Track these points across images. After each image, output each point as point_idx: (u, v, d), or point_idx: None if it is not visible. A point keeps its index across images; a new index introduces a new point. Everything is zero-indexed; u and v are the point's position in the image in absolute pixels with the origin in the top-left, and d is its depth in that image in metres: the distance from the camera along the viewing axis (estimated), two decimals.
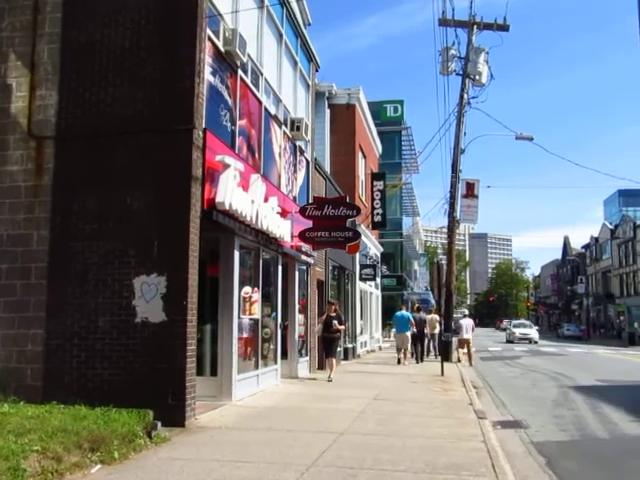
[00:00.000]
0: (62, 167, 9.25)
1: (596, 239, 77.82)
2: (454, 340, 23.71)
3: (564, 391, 14.92)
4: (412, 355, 22.44)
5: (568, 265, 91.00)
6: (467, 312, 30.62)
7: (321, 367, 17.87)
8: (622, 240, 66.66)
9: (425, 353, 23.92)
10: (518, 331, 49.02)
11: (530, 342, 46.31)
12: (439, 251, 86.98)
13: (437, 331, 24.82)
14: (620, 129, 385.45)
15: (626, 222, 66.80)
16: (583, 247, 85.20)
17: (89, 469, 6.16)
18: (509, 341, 48.15)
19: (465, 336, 22.81)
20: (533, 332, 48.96)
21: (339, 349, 20.20)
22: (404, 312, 22.90)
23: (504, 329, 76.44)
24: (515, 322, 57.42)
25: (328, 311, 15.82)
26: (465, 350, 23.01)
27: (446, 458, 6.97)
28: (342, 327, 16.23)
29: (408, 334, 21.54)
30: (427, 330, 23.84)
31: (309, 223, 14.36)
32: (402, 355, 21.31)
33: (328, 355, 15.77)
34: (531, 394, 14.46)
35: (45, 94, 9.43)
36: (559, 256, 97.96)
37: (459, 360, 22.59)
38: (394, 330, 23.95)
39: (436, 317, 25.08)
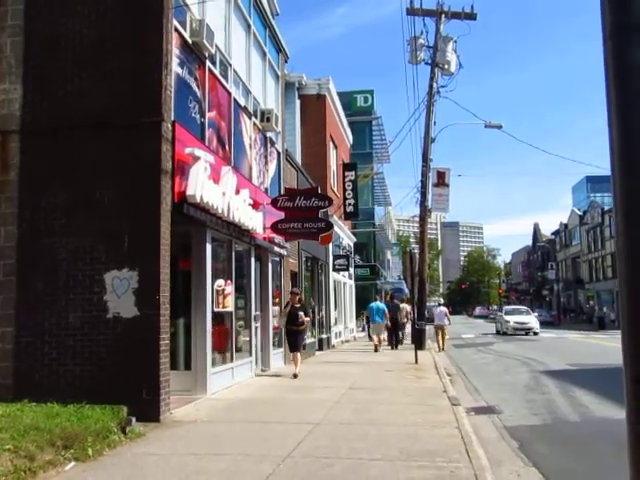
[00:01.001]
0: (28, 162, 9.09)
1: (565, 225, 78.90)
2: (427, 328, 24.34)
3: (536, 376, 15.14)
4: (387, 343, 23.46)
5: (538, 251, 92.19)
6: (442, 301, 31.15)
7: (292, 363, 17.89)
8: (590, 226, 67.67)
9: (400, 341, 24.76)
10: (513, 319, 37.76)
11: (527, 333, 36.45)
12: (412, 240, 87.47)
13: (405, 320, 26.06)
14: (588, 117, 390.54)
15: (594, 208, 67.78)
16: (553, 233, 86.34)
17: (63, 467, 6.10)
18: (501, 333, 37.86)
19: (438, 323, 24.26)
20: (532, 320, 37.93)
21: (308, 341, 20.18)
22: (379, 303, 24.01)
23: (488, 317, 74.91)
24: (508, 308, 45.70)
25: (292, 301, 14.40)
26: (441, 337, 23.99)
27: (421, 445, 7.04)
28: (308, 319, 14.79)
29: (382, 323, 22.84)
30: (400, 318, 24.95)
31: (281, 215, 14.35)
32: (377, 343, 22.25)
33: (293, 350, 14.25)
34: (504, 380, 14.66)
35: (9, 88, 9.25)
36: (529, 243, 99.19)
37: (439, 349, 23.39)
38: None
39: (406, 306, 26.15)
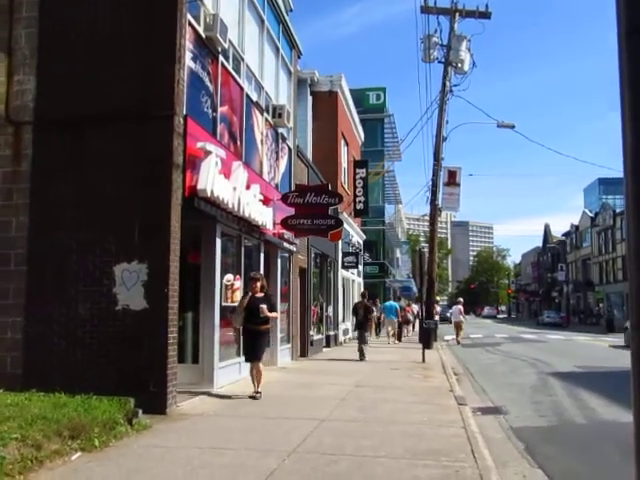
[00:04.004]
0: (41, 153, 9.14)
1: (576, 227, 78.48)
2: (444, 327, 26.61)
3: (543, 377, 15.08)
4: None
5: (548, 253, 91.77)
6: (461, 300, 32.04)
7: (303, 354, 17.90)
8: (602, 228, 67.30)
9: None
10: None
11: None
12: (421, 239, 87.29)
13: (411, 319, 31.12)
14: (604, 117, 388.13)
15: (606, 210, 67.42)
16: (563, 235, 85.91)
17: (69, 456, 6.13)
18: None
19: (455, 319, 28.49)
20: None
21: (316, 337, 20.13)
22: (392, 302, 28.06)
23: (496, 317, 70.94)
24: None
25: (252, 290, 10.43)
26: (458, 332, 28.27)
27: (426, 444, 7.03)
28: (275, 315, 11.03)
29: (395, 320, 26.59)
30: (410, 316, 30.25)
31: (291, 211, 14.36)
32: (390, 336, 26.08)
33: (250, 359, 10.50)
34: (511, 380, 14.61)
35: (23, 79, 9.30)
36: (540, 244, 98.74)
37: (457, 342, 27.64)
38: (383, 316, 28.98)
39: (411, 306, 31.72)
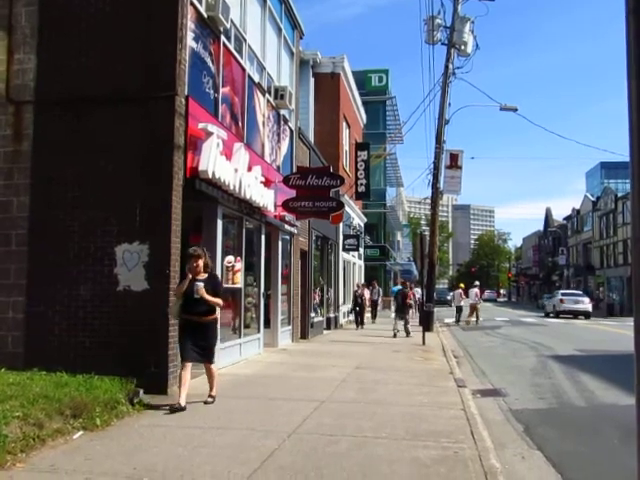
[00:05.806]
0: (42, 133, 9.11)
1: (577, 211, 78.31)
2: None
3: (543, 360, 15.14)
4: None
5: (549, 237, 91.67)
6: (477, 283, 32.70)
7: (304, 336, 17.95)
8: (603, 212, 67.15)
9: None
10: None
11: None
12: (422, 222, 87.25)
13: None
14: (605, 101, 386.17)
15: (607, 194, 67.20)
16: (565, 219, 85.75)
17: (71, 435, 6.17)
18: None
19: (472, 302, 30.58)
20: None
21: (316, 320, 20.22)
22: (399, 286, 27.51)
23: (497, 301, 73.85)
24: None
25: (193, 272, 7.92)
26: (473, 315, 30.55)
27: (426, 425, 7.07)
28: (217, 301, 8.05)
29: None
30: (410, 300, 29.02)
31: (293, 193, 14.33)
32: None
33: (190, 358, 7.84)
34: (510, 363, 14.67)
35: (23, 58, 9.24)
36: (541, 228, 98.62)
37: (467, 323, 29.98)
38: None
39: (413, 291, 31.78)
